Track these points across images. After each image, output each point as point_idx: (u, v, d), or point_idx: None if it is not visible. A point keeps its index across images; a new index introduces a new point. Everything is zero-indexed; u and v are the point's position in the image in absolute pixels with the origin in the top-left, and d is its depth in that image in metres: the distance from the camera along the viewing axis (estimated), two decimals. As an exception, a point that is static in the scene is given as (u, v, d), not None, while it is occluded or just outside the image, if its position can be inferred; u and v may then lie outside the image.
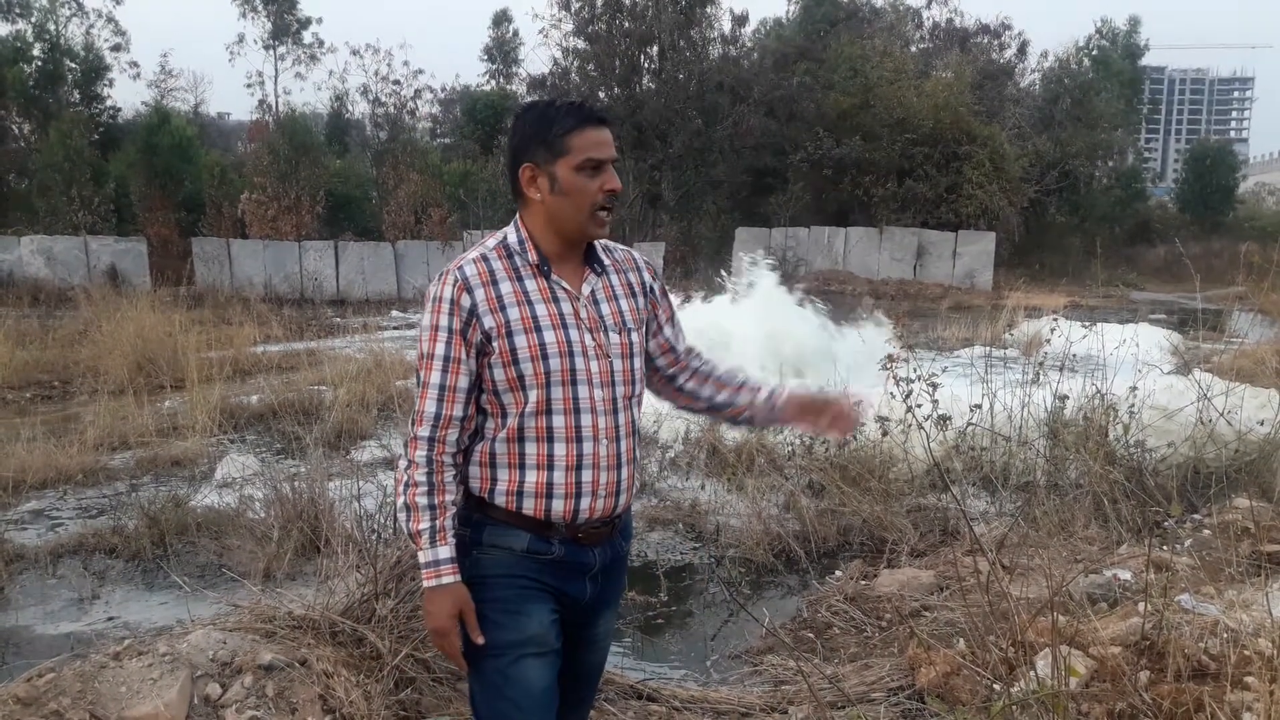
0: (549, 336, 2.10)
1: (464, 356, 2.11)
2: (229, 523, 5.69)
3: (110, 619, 4.75)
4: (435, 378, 2.12)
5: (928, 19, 43.95)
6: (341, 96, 42.93)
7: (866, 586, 4.77)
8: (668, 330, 2.41)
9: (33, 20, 36.88)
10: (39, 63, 36.01)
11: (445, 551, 2.11)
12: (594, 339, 2.16)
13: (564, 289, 2.15)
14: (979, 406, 6.22)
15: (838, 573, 5.18)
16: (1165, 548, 4.53)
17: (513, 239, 2.17)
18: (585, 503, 2.16)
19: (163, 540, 5.58)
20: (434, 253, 26.97)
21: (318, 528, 5.10)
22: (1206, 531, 4.90)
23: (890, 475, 6.18)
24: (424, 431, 2.13)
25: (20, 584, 5.19)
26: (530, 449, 2.13)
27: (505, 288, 2.11)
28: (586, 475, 2.15)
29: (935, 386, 5.53)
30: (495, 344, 2.09)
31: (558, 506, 2.14)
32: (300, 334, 15.16)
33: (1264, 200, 52.18)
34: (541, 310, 2.12)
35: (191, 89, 55.28)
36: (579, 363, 2.12)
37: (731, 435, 7.27)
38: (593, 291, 2.20)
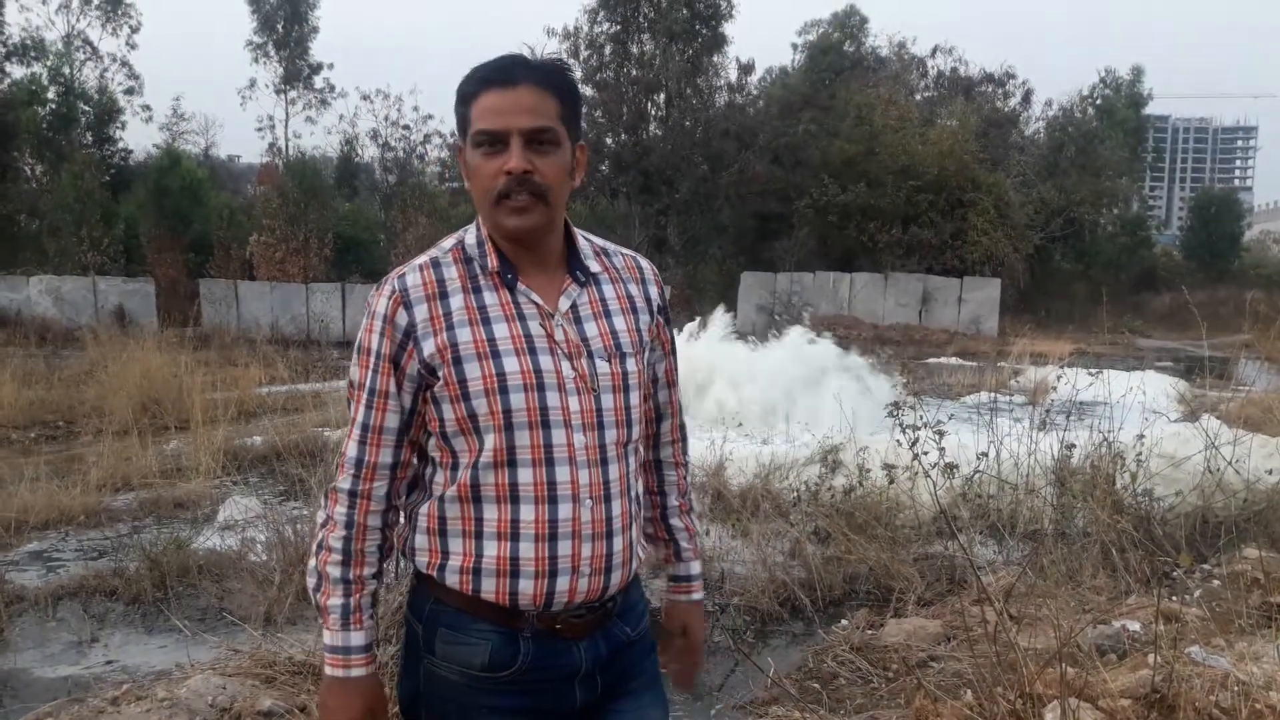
0: (510, 364, 1.62)
1: (393, 389, 1.66)
2: (230, 566, 5.65)
3: (109, 663, 4.71)
4: (360, 415, 1.68)
5: (932, 68, 44.36)
6: (351, 140, 43.24)
7: (873, 636, 4.72)
8: (659, 371, 1.90)
9: (48, 64, 37.40)
10: (53, 105, 36.45)
11: (359, 638, 1.69)
12: (574, 368, 1.67)
13: (534, 303, 1.68)
14: (985, 454, 6.19)
15: (844, 621, 5.13)
16: (1174, 598, 4.49)
17: (471, 239, 1.72)
18: (563, 583, 1.66)
19: (163, 583, 5.54)
20: (440, 295, 27.10)
21: (320, 571, 5.07)
22: (1216, 582, 4.85)
23: (897, 523, 6.14)
24: (345, 483, 1.70)
25: (20, 626, 5.15)
26: (489, 512, 1.65)
27: (456, 301, 1.65)
28: (564, 547, 1.65)
29: (942, 434, 5.51)
30: (441, 373, 1.63)
31: (526, 588, 1.65)
32: (305, 376, 15.15)
33: (1269, 248, 52.33)
34: (501, 330, 1.64)
35: (203, 132, 55.67)
36: (552, 398, 1.64)
37: (737, 481, 7.24)
38: (573, 306, 1.71)
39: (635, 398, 1.75)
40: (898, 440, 5.61)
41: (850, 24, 42.64)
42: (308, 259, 28.90)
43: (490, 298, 1.67)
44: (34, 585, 5.70)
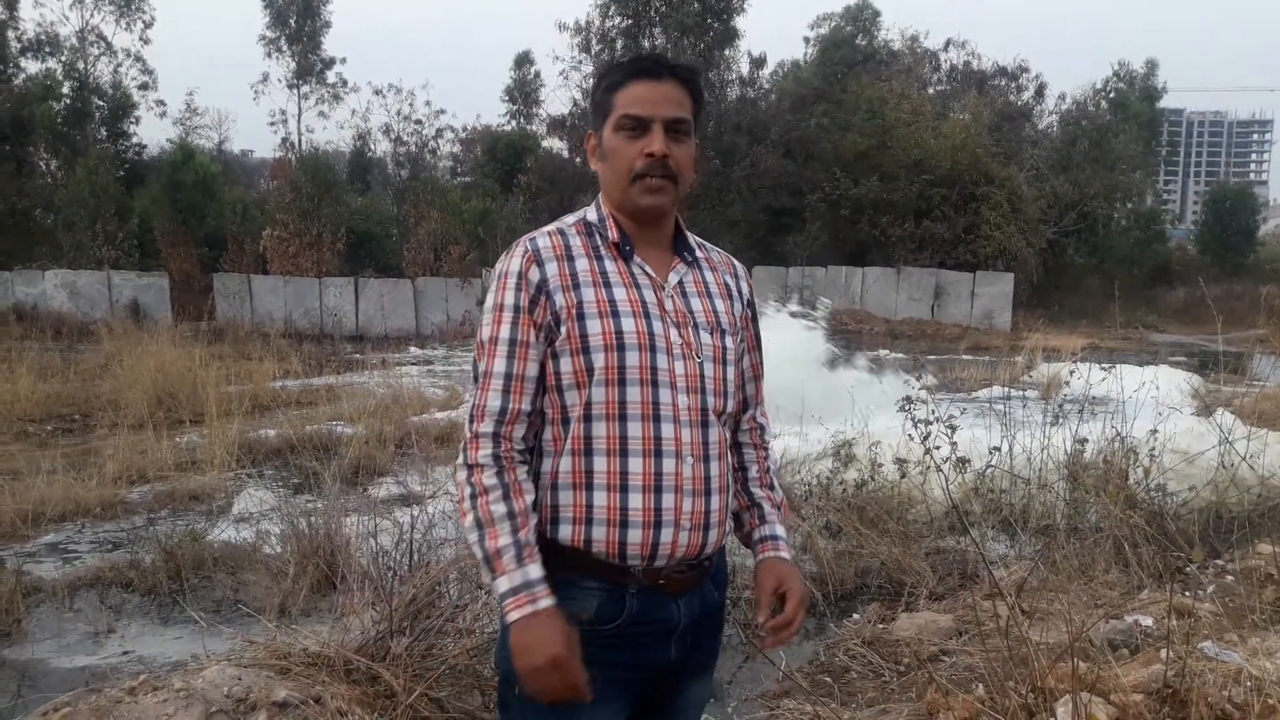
0: (628, 324, 1.77)
1: (533, 339, 1.78)
2: (245, 558, 5.70)
3: (126, 653, 4.75)
4: (499, 365, 1.78)
5: (945, 62, 44.27)
6: (364, 135, 43.42)
7: (884, 630, 4.72)
8: (745, 364, 2.03)
9: (63, 59, 37.62)
10: (68, 100, 36.68)
11: (536, 570, 1.70)
12: (680, 335, 1.82)
13: (647, 274, 1.84)
14: (998, 449, 6.18)
15: (855, 616, 5.13)
16: (1187, 593, 4.48)
17: (593, 215, 1.88)
18: (667, 535, 1.77)
19: (179, 575, 5.58)
20: (453, 290, 27.25)
21: (333, 564, 5.10)
22: (1229, 577, 4.83)
23: (909, 517, 6.14)
24: (487, 427, 1.77)
25: (37, 617, 5.20)
26: (600, 464, 1.76)
27: (581, 264, 1.80)
28: (668, 500, 1.77)
29: (954, 429, 5.50)
30: (564, 327, 1.76)
31: (634, 538, 1.76)
32: (319, 369, 15.22)
33: (1285, 243, 51.97)
34: (620, 294, 1.79)
35: (216, 126, 55.91)
36: (661, 360, 1.78)
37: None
38: (680, 282, 1.88)
39: (732, 372, 1.91)
40: (910, 435, 5.61)
41: (862, 17, 42.57)
42: (321, 253, 28.98)
43: (610, 265, 1.83)
44: (51, 576, 5.75)
